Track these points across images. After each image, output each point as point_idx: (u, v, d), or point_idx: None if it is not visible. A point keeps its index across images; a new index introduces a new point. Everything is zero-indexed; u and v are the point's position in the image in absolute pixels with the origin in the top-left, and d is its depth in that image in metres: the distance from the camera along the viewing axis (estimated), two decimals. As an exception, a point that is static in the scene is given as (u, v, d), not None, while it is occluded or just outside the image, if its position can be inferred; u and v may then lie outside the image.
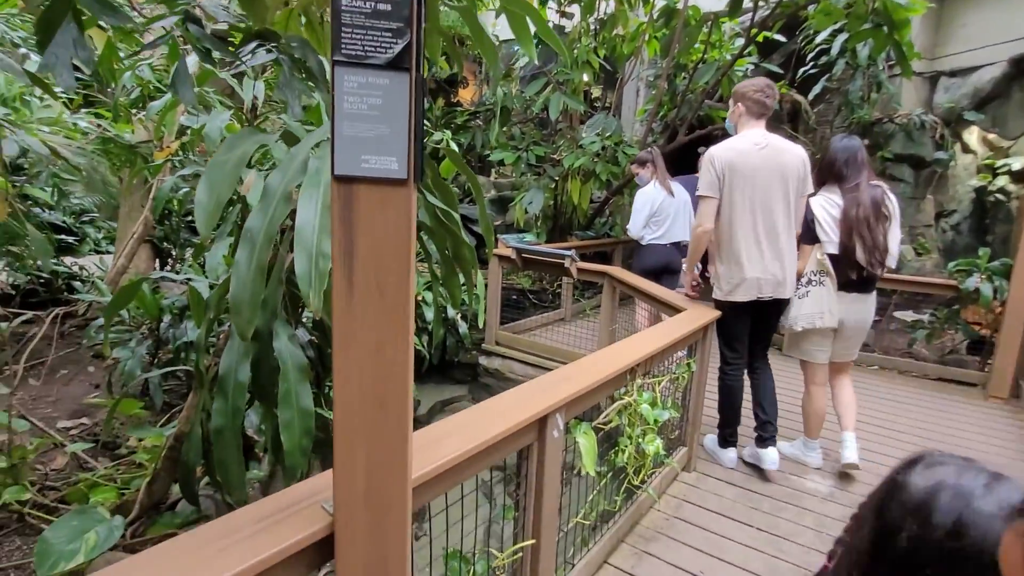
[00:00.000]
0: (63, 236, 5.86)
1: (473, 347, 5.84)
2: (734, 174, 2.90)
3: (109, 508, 2.47)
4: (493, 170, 10.52)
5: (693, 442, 3.24)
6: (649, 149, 5.07)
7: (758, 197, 2.91)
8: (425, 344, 5.41)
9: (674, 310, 3.30)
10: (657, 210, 4.66)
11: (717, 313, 3.13)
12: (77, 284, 5.20)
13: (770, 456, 3.11)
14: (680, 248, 4.67)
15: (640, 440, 2.36)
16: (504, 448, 1.55)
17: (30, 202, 4.73)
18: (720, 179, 2.90)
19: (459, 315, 5.63)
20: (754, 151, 2.91)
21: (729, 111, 3.15)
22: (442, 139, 5.18)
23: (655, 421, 2.31)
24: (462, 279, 2.26)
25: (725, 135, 3.26)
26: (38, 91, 3.91)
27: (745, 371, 3.19)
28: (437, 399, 5.34)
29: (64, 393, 3.96)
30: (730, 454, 3.32)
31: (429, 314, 5.35)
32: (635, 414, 2.30)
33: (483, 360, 5.61)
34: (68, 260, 5.69)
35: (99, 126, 3.28)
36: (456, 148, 7.00)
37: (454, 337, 5.67)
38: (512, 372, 5.38)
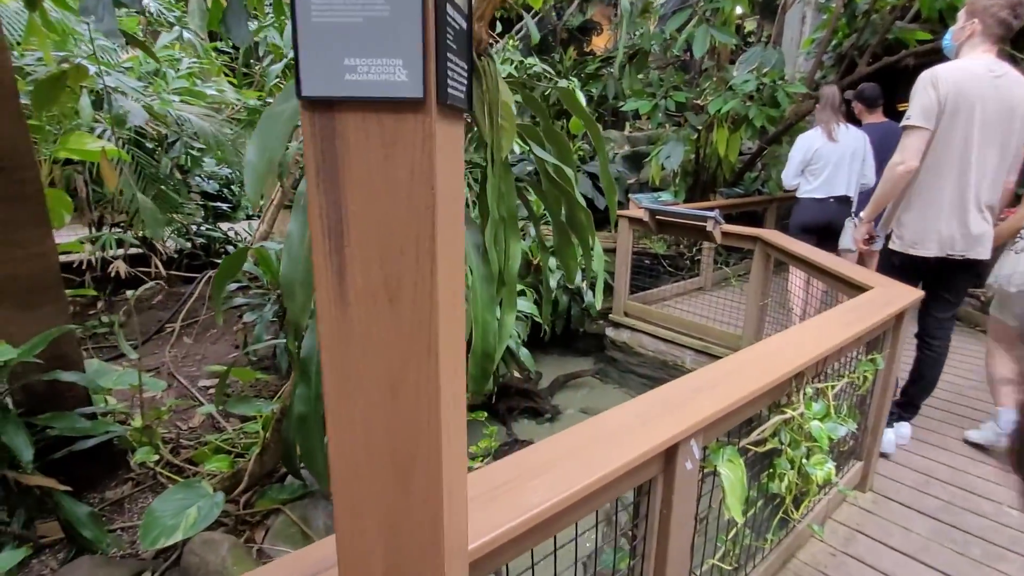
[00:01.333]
0: (219, 203, 6.35)
1: (600, 317, 5.40)
2: (960, 103, 2.24)
3: (222, 478, 2.48)
4: (627, 123, 9.72)
5: (872, 456, 2.55)
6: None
7: (979, 135, 2.36)
8: (547, 314, 5.07)
9: (852, 287, 2.57)
10: (812, 157, 3.99)
11: (918, 294, 2.39)
12: (230, 248, 5.61)
13: (888, 437, 2.82)
14: (843, 204, 3.97)
15: (805, 463, 1.80)
16: (613, 490, 1.14)
17: (187, 172, 5.05)
18: (941, 106, 2.29)
19: (585, 282, 5.19)
20: (988, 79, 2.34)
21: (956, 27, 2.48)
22: (568, 85, 4.66)
23: (828, 439, 1.73)
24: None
25: (921, 64, 2.62)
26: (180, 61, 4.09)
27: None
28: (560, 372, 5.01)
29: (211, 351, 4.24)
30: (889, 435, 2.87)
31: (552, 281, 4.99)
32: (800, 431, 1.74)
33: (610, 332, 5.15)
34: (224, 226, 6.18)
35: (222, 92, 3.29)
36: (583, 98, 6.43)
37: (579, 306, 5.27)
38: (641, 347, 4.87)
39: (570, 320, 5.31)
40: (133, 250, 4.76)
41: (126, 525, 2.36)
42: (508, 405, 4.45)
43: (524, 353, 3.89)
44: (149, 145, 3.84)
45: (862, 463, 2.54)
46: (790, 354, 1.67)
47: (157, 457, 2.55)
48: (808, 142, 3.99)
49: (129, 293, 2.77)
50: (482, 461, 3.54)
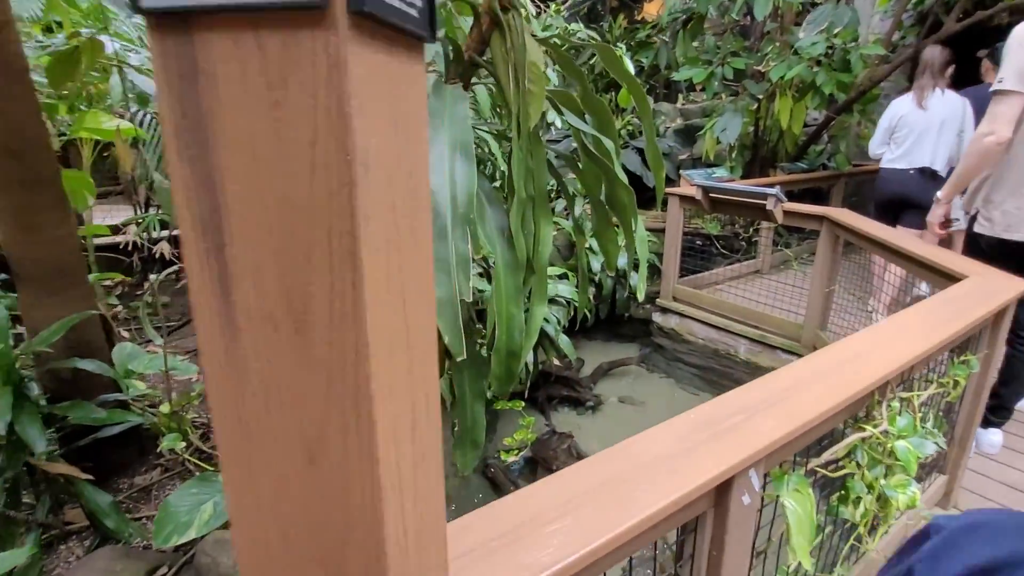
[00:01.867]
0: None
1: (647, 301, 5.11)
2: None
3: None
4: (680, 95, 9.19)
5: (959, 468, 2.23)
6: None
7: None
8: (591, 297, 4.83)
9: (941, 276, 2.23)
10: (897, 124, 3.66)
11: (1020, 285, 2.04)
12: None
13: (989, 438, 2.62)
14: (927, 177, 3.58)
15: (883, 484, 1.53)
16: (648, 535, 0.92)
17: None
18: None
19: (632, 265, 4.91)
20: None
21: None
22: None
23: (915, 459, 1.46)
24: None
25: (1017, 21, 2.22)
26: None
27: None
28: (603, 359, 4.78)
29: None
30: (992, 436, 2.64)
31: (596, 263, 4.74)
32: (880, 449, 1.47)
33: (657, 317, 4.86)
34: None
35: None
36: (632, 68, 6.04)
37: (624, 290, 4.99)
38: (691, 334, 4.57)
39: (615, 305, 5.05)
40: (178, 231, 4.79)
41: (152, 514, 2.33)
42: (547, 393, 4.26)
43: (564, 340, 3.68)
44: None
45: (946, 477, 2.23)
46: (873, 361, 1.39)
47: (184, 444, 2.50)
48: (896, 108, 3.70)
49: (152, 277, 2.71)
50: (517, 455, 3.38)
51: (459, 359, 1.18)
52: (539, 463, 3.50)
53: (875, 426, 1.42)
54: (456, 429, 1.80)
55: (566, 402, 4.31)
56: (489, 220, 1.55)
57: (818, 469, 1.37)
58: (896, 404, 1.45)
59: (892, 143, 3.70)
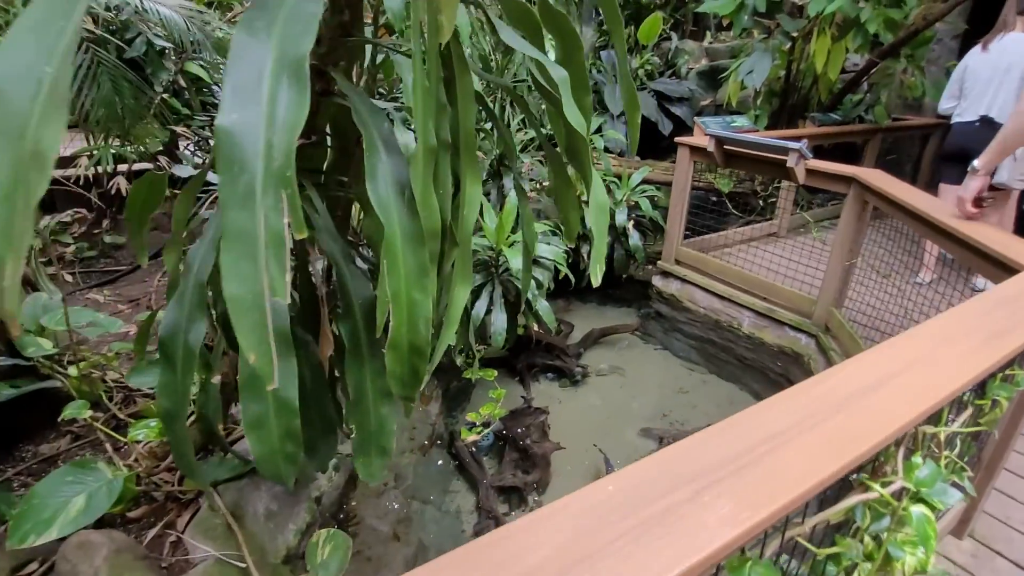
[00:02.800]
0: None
1: (648, 262, 4.68)
2: None
3: (152, 447, 2.12)
4: (709, 33, 8.35)
5: (982, 493, 1.86)
6: None
7: None
8: (586, 255, 4.41)
9: (993, 264, 1.78)
10: (964, 75, 3.11)
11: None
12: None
13: None
14: (989, 128, 3.13)
15: (889, 541, 1.16)
16: None
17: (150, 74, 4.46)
18: None
19: (631, 222, 4.45)
20: None
21: None
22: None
23: (933, 530, 1.08)
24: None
25: None
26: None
27: None
28: (595, 325, 4.40)
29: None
30: None
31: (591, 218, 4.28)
32: (888, 507, 1.09)
33: (657, 281, 4.44)
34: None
35: None
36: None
37: (623, 248, 4.55)
38: (692, 301, 4.15)
39: (613, 264, 4.62)
40: (139, 166, 4.42)
41: (47, 490, 2.06)
42: (529, 362, 3.93)
43: (543, 307, 3.30)
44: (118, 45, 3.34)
45: (965, 503, 1.86)
46: (896, 394, 0.99)
47: (88, 415, 2.21)
48: (967, 57, 3.34)
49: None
50: (480, 432, 3.07)
51: (270, 388, 0.81)
52: (507, 441, 3.20)
53: (886, 484, 1.03)
54: (354, 435, 1.46)
55: (549, 372, 3.98)
56: (381, 174, 1.14)
57: (799, 540, 1.00)
58: (919, 449, 1.06)
59: (961, 95, 3.35)
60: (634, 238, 4.41)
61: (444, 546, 2.72)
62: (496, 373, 3.39)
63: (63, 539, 1.63)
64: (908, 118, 5.65)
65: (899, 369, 1.06)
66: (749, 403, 3.52)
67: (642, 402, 3.67)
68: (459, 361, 3.39)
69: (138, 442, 2.14)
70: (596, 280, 1.36)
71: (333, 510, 2.39)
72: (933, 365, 1.09)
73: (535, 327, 3.50)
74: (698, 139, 3.99)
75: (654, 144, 5.99)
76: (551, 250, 3.32)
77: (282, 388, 1.33)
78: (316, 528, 2.30)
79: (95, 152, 4.02)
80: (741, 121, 4.79)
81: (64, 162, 3.99)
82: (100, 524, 1.97)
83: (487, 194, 4.23)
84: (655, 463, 0.82)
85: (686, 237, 4.29)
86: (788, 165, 3.25)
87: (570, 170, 1.51)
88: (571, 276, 3.47)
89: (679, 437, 3.33)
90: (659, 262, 4.40)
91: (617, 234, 4.47)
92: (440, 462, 3.18)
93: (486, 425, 3.17)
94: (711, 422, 3.16)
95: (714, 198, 5.07)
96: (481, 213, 3.47)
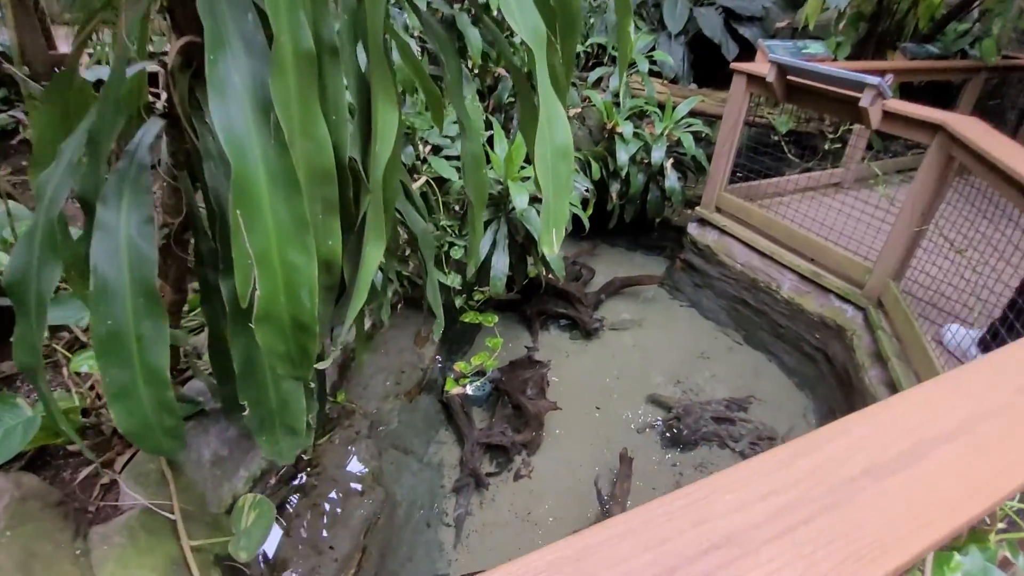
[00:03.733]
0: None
1: (687, 205, 4.20)
2: None
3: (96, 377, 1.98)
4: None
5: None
6: None
7: None
8: (615, 194, 3.98)
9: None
10: None
11: None
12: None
13: None
14: None
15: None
16: None
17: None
18: None
19: (670, 160, 3.94)
20: None
21: None
22: None
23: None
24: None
25: None
26: None
27: None
28: (619, 273, 4.02)
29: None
30: None
31: (624, 152, 3.81)
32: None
33: (693, 229, 3.98)
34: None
35: None
36: None
37: (658, 189, 4.07)
38: (729, 256, 3.70)
39: (645, 206, 4.16)
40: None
41: None
42: (539, 309, 3.63)
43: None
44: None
45: None
46: (946, 474, 0.64)
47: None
48: None
49: None
50: (465, 383, 2.84)
51: None
52: (502, 393, 2.97)
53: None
54: (247, 412, 1.21)
55: (560, 321, 3.69)
56: (230, 87, 0.81)
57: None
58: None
59: None
60: (671, 179, 3.92)
61: (418, 501, 2.58)
62: (496, 319, 3.12)
63: None
64: (1022, 57, 4.72)
65: (950, 430, 0.71)
66: (775, 377, 3.10)
67: (657, 364, 3.35)
68: (459, 302, 3.13)
69: (78, 373, 2.00)
70: (549, 250, 1.01)
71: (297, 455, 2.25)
72: (1010, 423, 0.72)
73: (545, 274, 3.17)
74: (758, 66, 3.39)
75: (715, 70, 5.25)
76: (576, 184, 2.92)
77: (150, 353, 1.09)
78: (273, 476, 2.17)
79: None
80: (815, 48, 4.07)
81: None
82: (38, 456, 1.88)
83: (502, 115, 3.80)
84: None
85: (732, 182, 3.78)
86: (861, 105, 2.68)
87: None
88: (584, 219, 3.08)
89: (689, 410, 3.04)
90: (697, 208, 3.93)
91: (652, 172, 3.99)
92: (429, 410, 3.00)
93: (480, 374, 2.94)
94: (729, 395, 2.78)
95: (773, 138, 4.44)
96: (489, 142, 3.08)
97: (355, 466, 2.36)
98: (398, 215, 1.45)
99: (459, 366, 2.85)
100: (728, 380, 3.23)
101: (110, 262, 1.04)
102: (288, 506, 2.12)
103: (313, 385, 1.39)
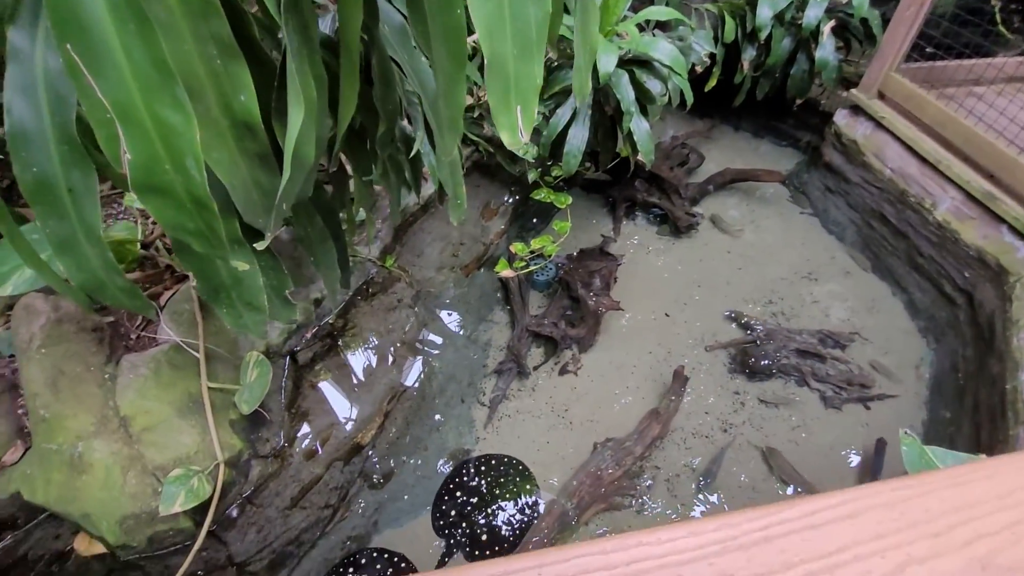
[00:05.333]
0: None
1: (842, 85, 3.36)
2: None
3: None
4: None
5: None
6: None
7: None
8: (748, 63, 3.25)
9: None
10: None
11: None
12: None
13: None
14: None
15: None
16: None
17: None
18: None
19: (830, 23, 3.07)
20: None
21: None
22: None
23: None
24: None
25: None
26: None
27: None
28: (734, 163, 3.40)
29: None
30: None
31: (768, 7, 3.03)
32: None
33: (842, 118, 3.20)
34: None
35: None
36: None
37: (806, 60, 3.26)
38: (879, 157, 2.96)
39: (786, 82, 3.38)
40: None
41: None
42: (627, 195, 3.23)
43: (640, 129, 2.49)
44: None
45: None
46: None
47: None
48: None
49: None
50: (520, 267, 2.62)
51: None
52: (563, 282, 2.76)
53: None
54: (194, 283, 1.11)
55: (650, 212, 3.27)
56: None
57: None
58: None
59: None
60: (827, 48, 3.09)
61: (457, 375, 2.56)
62: (569, 200, 2.80)
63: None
64: None
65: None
66: (894, 316, 2.58)
67: (752, 277, 2.90)
68: (532, 176, 2.83)
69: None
70: (509, 136, 0.71)
71: (334, 315, 2.26)
72: None
73: (634, 156, 2.73)
74: None
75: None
76: (670, 52, 2.35)
77: (83, 208, 0.99)
78: (308, 331, 2.21)
79: None
80: None
81: None
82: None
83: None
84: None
85: (908, 60, 2.89)
86: None
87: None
88: (687, 92, 2.51)
89: (773, 336, 2.63)
90: (852, 90, 3.11)
91: (803, 38, 3.16)
92: (486, 287, 2.88)
93: (540, 257, 2.72)
94: (828, 328, 2.31)
95: (990, 2, 3.28)
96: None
97: (392, 333, 2.34)
98: (394, 65, 1.17)
99: (515, 247, 2.64)
100: (833, 310, 2.73)
101: (26, 102, 0.90)
102: (319, 361, 2.17)
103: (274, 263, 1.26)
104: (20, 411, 1.69)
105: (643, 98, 2.51)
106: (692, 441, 2.33)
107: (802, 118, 3.62)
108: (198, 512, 1.61)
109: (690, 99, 2.54)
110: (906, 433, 1.23)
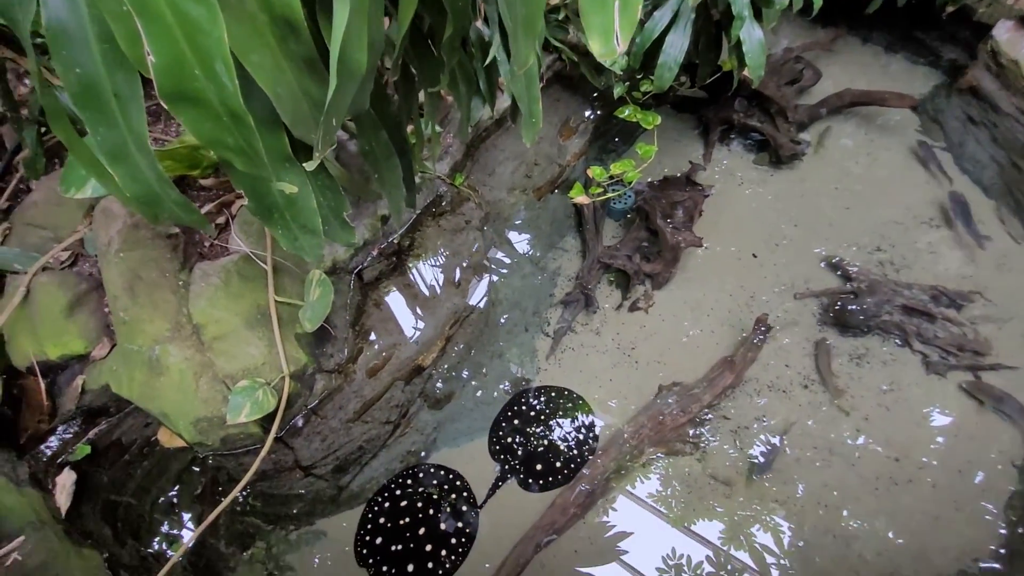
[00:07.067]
0: None
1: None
2: None
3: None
4: None
5: None
6: None
7: None
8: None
9: None
10: None
11: None
12: None
13: None
14: None
15: None
16: None
17: None
18: None
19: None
20: None
21: None
22: None
23: None
24: None
25: None
26: None
27: None
28: (857, 82, 2.91)
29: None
30: None
31: None
32: None
33: (1003, 32, 2.64)
34: None
35: None
36: None
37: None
38: (1046, 84, 2.44)
39: (938, -13, 2.80)
40: None
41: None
42: (724, 115, 2.88)
43: (753, 38, 2.13)
44: None
45: None
46: None
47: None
48: None
49: None
50: (597, 192, 2.43)
51: None
52: (640, 212, 2.54)
53: None
54: (247, 202, 1.04)
55: (748, 136, 2.91)
56: None
57: None
58: None
59: None
60: (1002, -58, 2.49)
61: (522, 303, 2.48)
62: (658, 120, 2.52)
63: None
64: None
65: None
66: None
67: (859, 218, 2.56)
68: (618, 91, 2.55)
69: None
70: (602, 46, 0.55)
71: (401, 233, 2.20)
72: None
73: (738, 68, 2.38)
74: None
75: None
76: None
77: (130, 115, 0.92)
78: (375, 248, 2.16)
79: None
80: None
81: None
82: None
83: None
84: None
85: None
86: None
87: None
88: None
89: (875, 288, 2.33)
90: (1027, -2, 2.53)
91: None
92: (559, 212, 2.72)
93: (619, 183, 2.51)
94: (941, 285, 2.01)
95: None
96: None
97: (458, 255, 2.27)
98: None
99: (593, 171, 2.43)
100: (953, 263, 2.38)
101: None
102: (384, 280, 2.14)
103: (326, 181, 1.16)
104: (106, 309, 1.78)
105: (760, 0, 2.13)
106: (767, 394, 2.17)
107: (950, 30, 3.02)
108: (266, 420, 1.68)
109: (818, 1, 2.14)
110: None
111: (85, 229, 1.85)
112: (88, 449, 1.83)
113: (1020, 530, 1.82)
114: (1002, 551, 1.80)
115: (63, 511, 1.70)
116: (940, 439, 2.02)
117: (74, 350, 1.73)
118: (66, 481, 1.74)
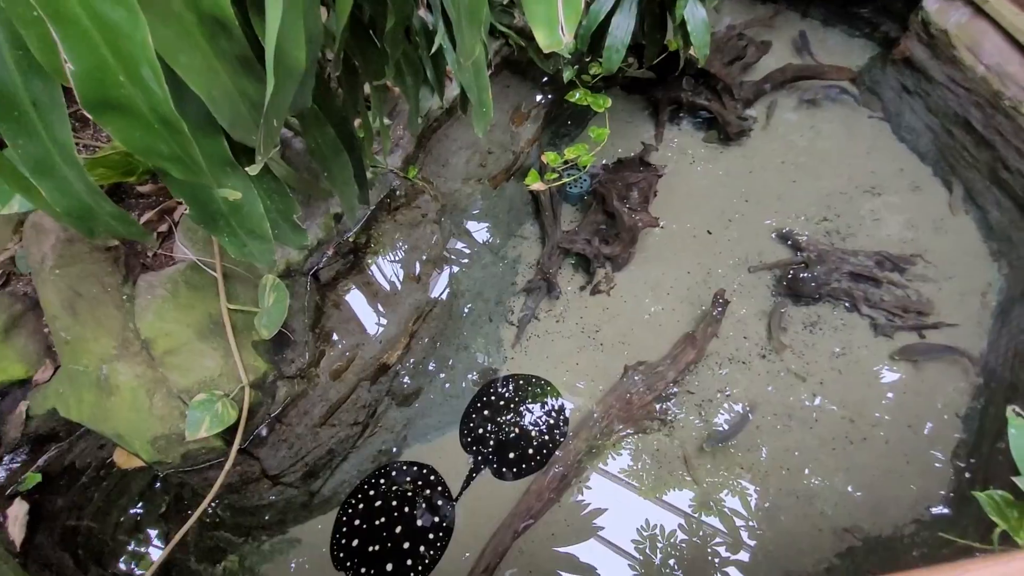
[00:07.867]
0: None
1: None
2: None
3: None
4: None
5: None
6: None
7: None
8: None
9: None
10: None
11: None
12: None
13: None
14: None
15: None
16: None
17: None
18: None
19: None
20: None
21: None
22: None
23: None
24: None
25: None
26: None
27: None
28: (797, 57, 2.99)
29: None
30: None
31: None
32: None
33: (931, 4, 2.74)
34: None
35: None
36: None
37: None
38: (973, 52, 2.55)
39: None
40: None
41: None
42: (672, 96, 2.91)
43: (696, 17, 2.16)
44: None
45: None
46: None
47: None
48: None
49: None
50: (552, 178, 2.43)
51: None
52: (598, 195, 2.56)
53: None
54: (187, 210, 0.99)
55: (697, 115, 2.96)
56: None
57: None
58: None
59: None
60: (925, -85, 2.58)
61: (484, 294, 2.47)
62: (609, 103, 2.53)
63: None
64: None
65: None
66: (965, 236, 2.50)
67: (806, 190, 2.65)
68: (567, 75, 2.54)
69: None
70: (547, 36, 0.54)
71: (356, 230, 2.15)
72: None
73: (683, 47, 2.40)
74: None
75: None
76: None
77: (52, 124, 0.86)
78: (329, 247, 2.11)
79: None
80: None
81: None
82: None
83: None
84: None
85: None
86: None
87: None
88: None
89: (824, 257, 2.41)
90: (951, -31, 2.63)
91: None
92: (516, 200, 2.71)
93: (574, 168, 2.52)
94: (887, 249, 2.11)
95: None
96: None
97: (417, 249, 2.24)
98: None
99: (547, 157, 2.43)
100: (895, 228, 2.49)
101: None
102: (342, 279, 2.09)
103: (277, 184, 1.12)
104: (45, 330, 1.68)
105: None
106: (728, 366, 2.23)
107: (883, 2, 3.13)
108: (228, 432, 1.62)
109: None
110: (1017, 414, 1.09)
111: (15, 246, 1.74)
112: (39, 477, 1.74)
113: (967, 475, 1.94)
114: (951, 495, 1.92)
115: (17, 544, 1.62)
116: (890, 395, 2.13)
117: (14, 375, 1.63)
118: (18, 512, 1.65)
